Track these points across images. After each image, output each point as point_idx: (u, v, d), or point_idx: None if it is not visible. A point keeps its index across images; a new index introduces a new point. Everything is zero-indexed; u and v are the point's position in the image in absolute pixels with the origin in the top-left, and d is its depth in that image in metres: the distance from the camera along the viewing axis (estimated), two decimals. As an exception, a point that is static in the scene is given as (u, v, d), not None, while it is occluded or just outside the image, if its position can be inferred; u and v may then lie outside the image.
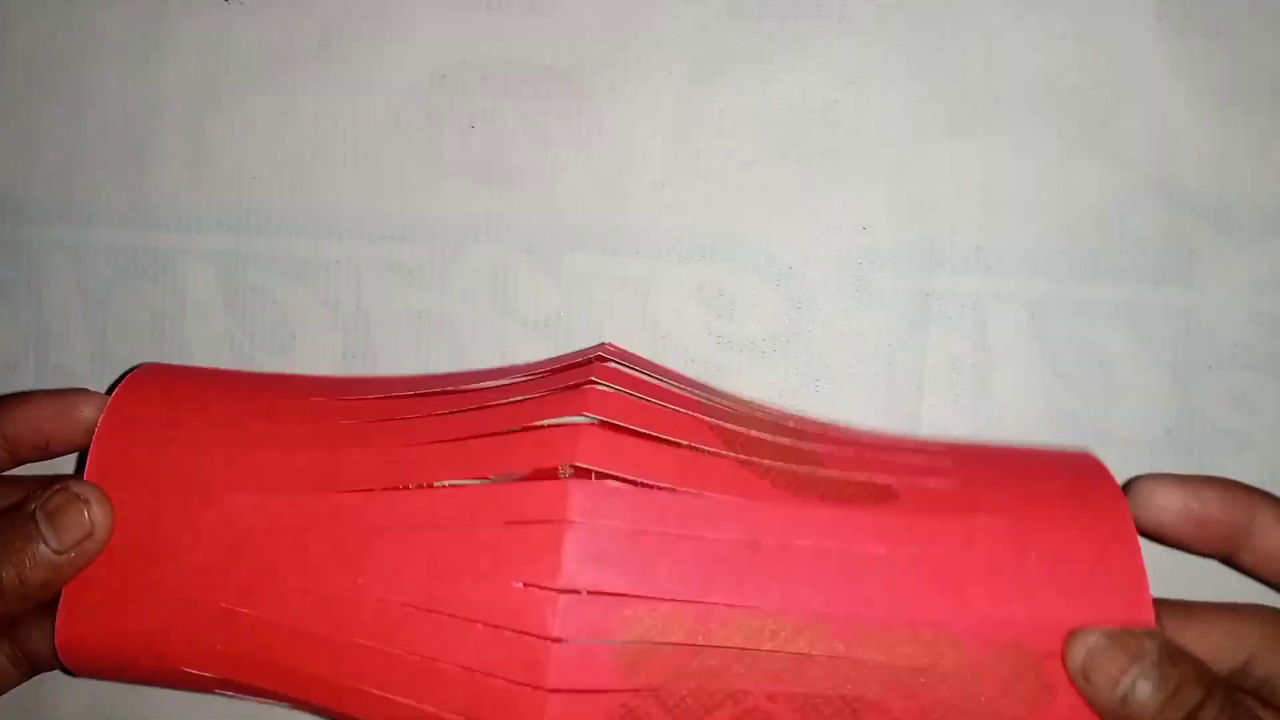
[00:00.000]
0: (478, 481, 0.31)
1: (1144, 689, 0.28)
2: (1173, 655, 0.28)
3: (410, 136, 0.39)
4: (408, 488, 0.31)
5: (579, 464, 0.29)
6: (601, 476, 0.29)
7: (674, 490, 0.29)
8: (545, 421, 0.30)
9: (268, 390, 0.34)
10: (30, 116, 0.40)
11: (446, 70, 0.39)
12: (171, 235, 0.40)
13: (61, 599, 0.31)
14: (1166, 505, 0.31)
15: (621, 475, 0.29)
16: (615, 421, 0.30)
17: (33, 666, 0.35)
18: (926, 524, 0.29)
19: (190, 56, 0.40)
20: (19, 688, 0.35)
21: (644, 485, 0.29)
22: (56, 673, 0.40)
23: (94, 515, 0.30)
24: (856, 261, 0.38)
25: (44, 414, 0.33)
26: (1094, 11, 0.37)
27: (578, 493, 0.28)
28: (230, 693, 0.33)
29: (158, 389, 0.33)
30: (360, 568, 0.30)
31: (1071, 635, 0.28)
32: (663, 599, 0.28)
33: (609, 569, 0.28)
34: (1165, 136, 0.37)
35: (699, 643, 0.28)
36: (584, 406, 0.30)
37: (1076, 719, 0.29)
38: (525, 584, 0.29)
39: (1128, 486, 0.31)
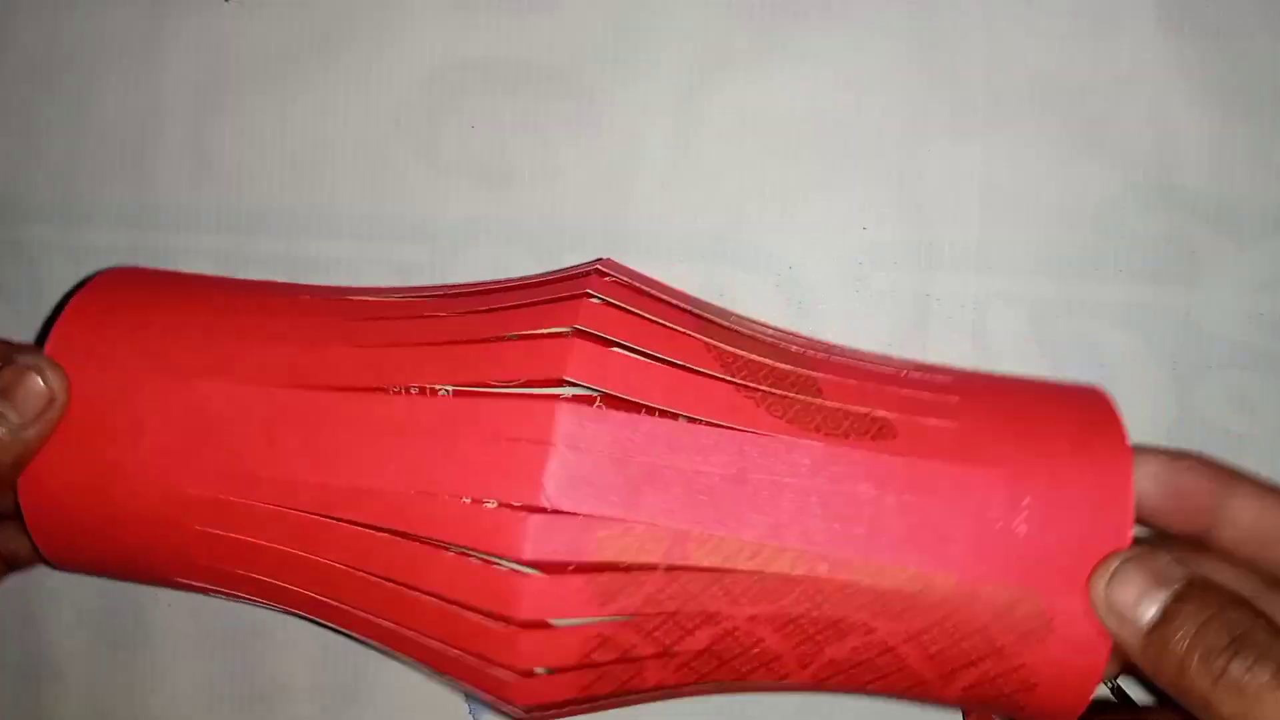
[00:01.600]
0: (462, 388, 0.29)
1: (1181, 614, 0.26)
2: (1202, 583, 0.27)
3: (410, 136, 0.39)
4: (388, 390, 0.29)
5: (567, 378, 0.27)
6: (589, 395, 0.28)
7: (663, 416, 0.28)
8: (535, 331, 0.29)
9: (255, 290, 0.33)
10: (30, 116, 0.40)
11: (446, 70, 0.39)
12: (171, 235, 0.40)
13: (21, 495, 0.30)
14: (1145, 471, 0.29)
15: (610, 391, 0.27)
16: (607, 336, 0.28)
17: (8, 565, 0.34)
18: (921, 468, 0.28)
19: (190, 56, 0.40)
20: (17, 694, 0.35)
21: (633, 408, 0.28)
22: (56, 672, 0.40)
23: (50, 381, 0.29)
24: (856, 261, 0.38)
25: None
26: (1094, 11, 0.37)
27: (565, 414, 0.27)
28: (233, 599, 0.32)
29: (137, 278, 0.33)
30: (334, 469, 0.28)
31: (1096, 567, 0.27)
32: (641, 523, 0.27)
33: (590, 495, 0.27)
34: (1165, 136, 0.37)
35: (675, 564, 0.27)
36: (576, 318, 0.28)
37: (1072, 657, 0.27)
38: (501, 503, 0.27)
39: None
